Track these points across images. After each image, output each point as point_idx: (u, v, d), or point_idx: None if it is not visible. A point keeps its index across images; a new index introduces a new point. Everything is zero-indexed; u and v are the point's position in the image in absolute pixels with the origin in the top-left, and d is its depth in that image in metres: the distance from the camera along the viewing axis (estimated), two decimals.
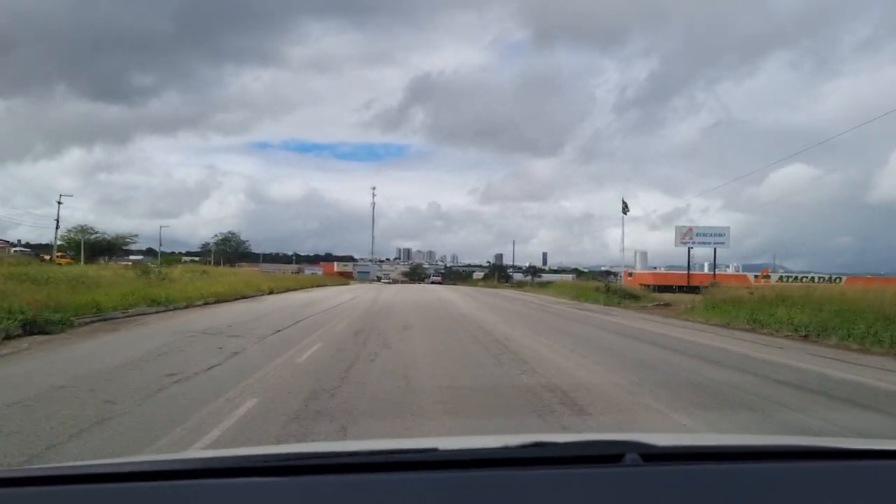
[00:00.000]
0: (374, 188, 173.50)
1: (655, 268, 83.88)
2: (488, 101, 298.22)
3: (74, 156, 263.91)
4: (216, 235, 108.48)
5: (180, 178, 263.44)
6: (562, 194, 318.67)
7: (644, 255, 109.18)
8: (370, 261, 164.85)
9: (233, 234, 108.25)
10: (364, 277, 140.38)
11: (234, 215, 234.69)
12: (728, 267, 74.69)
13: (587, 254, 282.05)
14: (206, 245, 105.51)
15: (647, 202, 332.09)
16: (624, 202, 78.24)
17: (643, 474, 1.44)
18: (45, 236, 68.06)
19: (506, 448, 1.55)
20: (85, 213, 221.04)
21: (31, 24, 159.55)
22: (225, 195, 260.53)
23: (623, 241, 79.70)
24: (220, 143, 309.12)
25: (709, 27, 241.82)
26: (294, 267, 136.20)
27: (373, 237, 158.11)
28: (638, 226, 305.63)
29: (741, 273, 68.09)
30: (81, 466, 1.63)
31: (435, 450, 1.57)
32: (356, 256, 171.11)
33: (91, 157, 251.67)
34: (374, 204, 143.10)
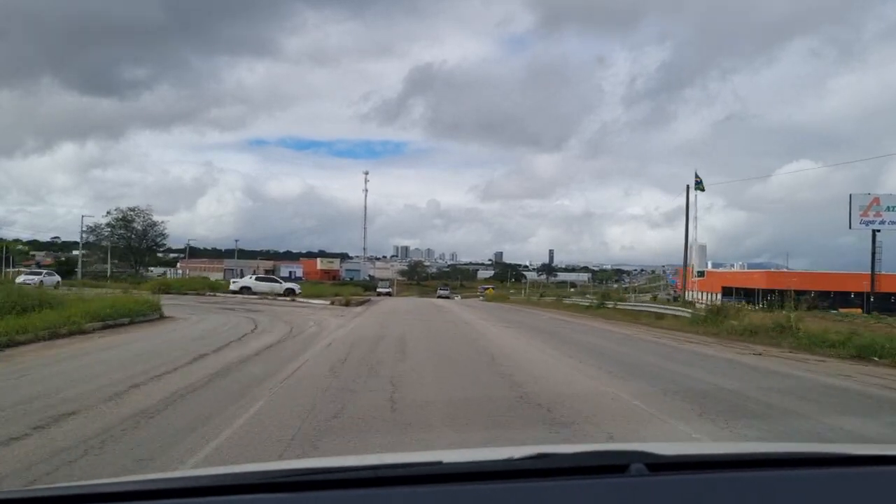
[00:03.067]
0: (366, 173, 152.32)
1: (719, 266, 63.86)
2: (491, 94, 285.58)
3: (67, 151, 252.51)
4: (108, 213, 65.10)
5: (176, 175, 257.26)
6: (564, 191, 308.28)
7: (702, 248, 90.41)
8: (363, 258, 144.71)
9: (137, 211, 65.14)
10: (354, 277, 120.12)
11: (230, 213, 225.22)
12: (733, 266, 54.30)
13: (587, 252, 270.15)
14: (92, 229, 63.53)
15: (649, 199, 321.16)
16: (697, 176, 57.75)
17: (649, 484, 1.42)
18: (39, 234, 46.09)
19: (510, 460, 1.52)
20: (80, 209, 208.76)
21: (16, 13, 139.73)
22: (222, 192, 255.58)
23: (695, 226, 59.18)
24: (216, 139, 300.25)
25: (727, 12, 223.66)
26: (268, 264, 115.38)
27: (364, 229, 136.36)
28: (639, 224, 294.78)
29: None
30: (81, 486, 1.55)
31: (439, 463, 1.56)
32: (351, 254, 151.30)
33: (84, 153, 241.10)
34: (366, 191, 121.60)
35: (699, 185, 57.60)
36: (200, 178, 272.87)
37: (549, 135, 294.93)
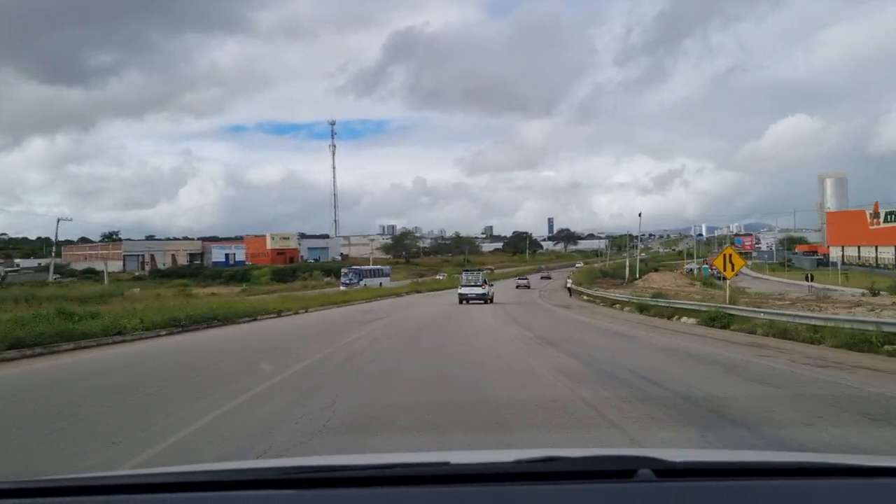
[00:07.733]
0: (332, 123, 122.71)
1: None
2: (476, 58, 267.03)
3: (36, 146, 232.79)
4: None
5: (155, 166, 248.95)
6: (553, 161, 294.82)
7: (842, 181, 64.04)
8: (334, 231, 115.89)
9: None
10: (320, 258, 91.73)
11: (212, 202, 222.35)
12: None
13: (576, 222, 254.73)
14: None
15: (636, 166, 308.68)
16: None
17: (656, 490, 1.41)
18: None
19: (518, 462, 1.54)
20: (61, 207, 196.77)
21: None
22: (202, 182, 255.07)
23: None
24: (193, 127, 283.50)
25: None
26: (194, 246, 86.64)
27: (335, 195, 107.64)
28: (627, 191, 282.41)
29: None
30: (86, 479, 1.62)
31: (447, 463, 1.57)
32: (332, 236, 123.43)
33: (55, 148, 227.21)
34: (333, 146, 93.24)
35: None
36: (179, 167, 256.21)
37: (537, 99, 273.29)
